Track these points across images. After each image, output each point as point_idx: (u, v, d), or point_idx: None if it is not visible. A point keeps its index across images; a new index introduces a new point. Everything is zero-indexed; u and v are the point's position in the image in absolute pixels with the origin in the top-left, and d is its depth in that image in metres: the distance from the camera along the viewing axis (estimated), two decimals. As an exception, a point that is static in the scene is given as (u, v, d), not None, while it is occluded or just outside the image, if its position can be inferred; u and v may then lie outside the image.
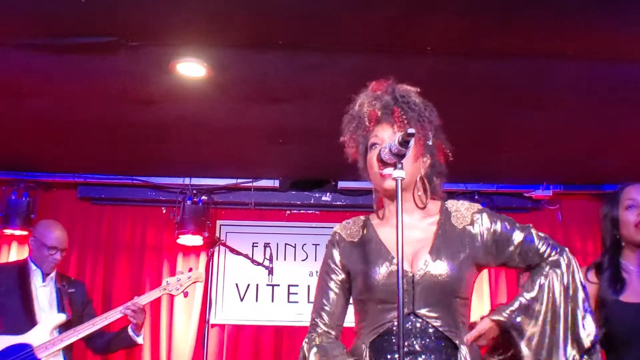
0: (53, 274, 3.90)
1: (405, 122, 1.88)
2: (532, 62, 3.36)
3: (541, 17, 2.94)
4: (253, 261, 4.41)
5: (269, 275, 4.39)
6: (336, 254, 2.00)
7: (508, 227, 1.94)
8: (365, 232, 1.99)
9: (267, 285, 5.23)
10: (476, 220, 1.94)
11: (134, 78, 3.55)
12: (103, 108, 3.95)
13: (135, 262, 5.25)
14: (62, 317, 3.74)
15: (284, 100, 3.82)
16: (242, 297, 5.28)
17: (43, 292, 3.84)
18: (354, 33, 3.10)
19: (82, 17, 2.99)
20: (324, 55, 3.31)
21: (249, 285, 5.29)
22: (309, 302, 5.15)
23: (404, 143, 1.66)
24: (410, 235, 1.87)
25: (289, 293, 5.30)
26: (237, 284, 5.29)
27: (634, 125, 4.06)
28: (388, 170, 1.78)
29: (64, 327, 3.72)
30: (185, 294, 3.89)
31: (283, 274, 5.18)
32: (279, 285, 5.27)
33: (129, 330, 3.78)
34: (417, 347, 1.80)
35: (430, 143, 1.95)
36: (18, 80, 3.62)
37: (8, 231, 5.00)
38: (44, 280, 3.86)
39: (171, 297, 5.14)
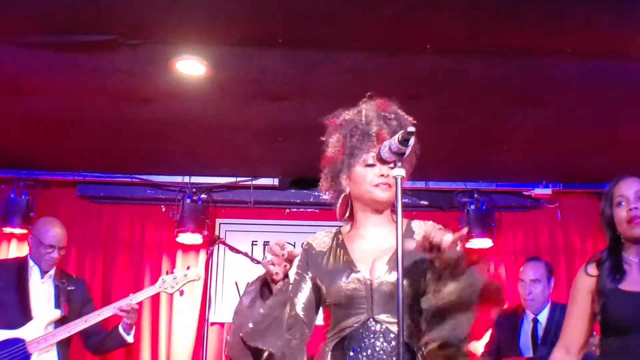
0: (52, 271, 3.89)
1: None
2: (531, 60, 3.36)
3: (540, 15, 2.94)
4: (252, 259, 4.41)
5: (268, 273, 4.38)
6: (304, 261, 2.09)
7: None
8: (334, 243, 2.08)
9: (267, 283, 5.21)
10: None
11: (133, 76, 3.55)
12: (102, 106, 3.95)
13: (134, 260, 5.25)
14: (57, 313, 3.72)
15: (284, 98, 3.82)
16: (241, 295, 5.26)
17: (41, 289, 3.83)
18: (353, 31, 3.10)
19: (81, 15, 2.99)
20: (324, 53, 3.31)
21: (248, 283, 5.28)
22: (308, 300, 5.14)
23: (404, 142, 1.68)
24: (375, 246, 2.00)
25: (288, 291, 5.29)
26: (236, 282, 5.29)
27: (634, 123, 4.06)
28: (382, 180, 1.92)
29: (59, 323, 3.71)
30: (181, 293, 3.86)
31: (282, 272, 5.17)
32: (278, 283, 5.26)
33: (120, 328, 3.77)
34: (377, 348, 1.88)
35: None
36: (17, 78, 3.62)
37: (7, 229, 4.99)
38: (42, 277, 3.85)
39: (170, 295, 5.13)
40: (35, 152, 4.82)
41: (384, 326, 1.89)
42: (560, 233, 5.34)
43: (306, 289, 2.05)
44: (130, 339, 3.80)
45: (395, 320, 1.81)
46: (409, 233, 2.01)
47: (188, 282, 3.82)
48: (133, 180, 5.21)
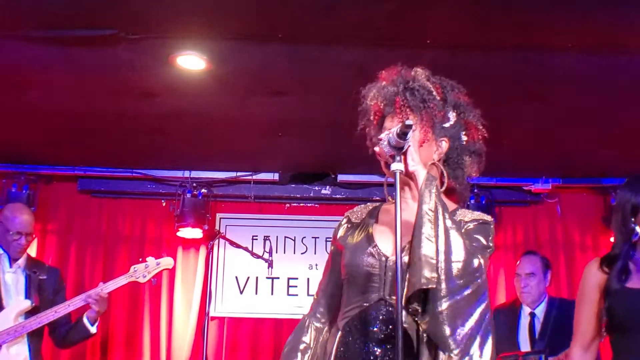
0: (22, 260, 3.83)
1: (407, 110, 1.84)
2: (532, 55, 3.36)
3: (541, 9, 2.94)
4: (253, 254, 4.43)
5: (268, 268, 4.41)
6: (339, 233, 2.00)
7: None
8: (367, 216, 1.98)
9: (267, 278, 5.23)
10: (465, 227, 1.86)
11: (133, 71, 3.55)
12: (103, 101, 3.95)
13: (134, 255, 5.24)
14: (27, 304, 3.68)
15: (284, 93, 3.82)
16: (241, 290, 5.29)
17: (10, 278, 3.78)
18: (354, 26, 3.10)
19: (82, 10, 2.99)
20: (324, 48, 3.31)
21: (248, 278, 5.31)
22: (308, 294, 5.16)
23: (402, 135, 1.66)
24: (402, 222, 1.82)
25: (288, 286, 5.31)
26: (236, 277, 5.30)
27: (634, 118, 4.06)
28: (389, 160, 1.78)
29: (30, 314, 3.66)
30: (154, 281, 3.81)
31: (282, 267, 5.19)
32: (278, 278, 5.28)
33: (84, 319, 3.72)
34: (382, 335, 1.76)
35: (447, 125, 1.90)
36: (18, 72, 3.62)
37: (8, 224, 5.00)
38: (11, 266, 3.79)
39: (171, 290, 5.15)
40: (36, 146, 4.82)
41: (393, 307, 1.74)
42: (560, 228, 5.35)
43: (337, 272, 1.97)
44: (93, 329, 3.74)
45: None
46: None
47: (161, 270, 3.77)
48: (133, 174, 5.22)
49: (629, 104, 3.87)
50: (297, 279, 5.30)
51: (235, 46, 3.32)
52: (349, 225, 1.99)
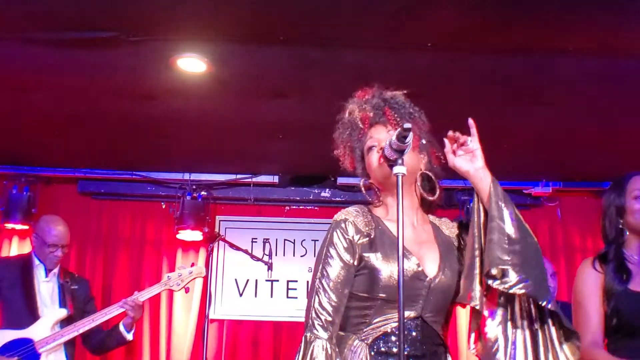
0: (56, 270, 3.92)
1: (398, 119, 1.92)
2: (532, 58, 3.36)
3: (542, 13, 2.94)
4: (252, 257, 4.43)
5: (268, 270, 4.41)
6: (351, 244, 1.86)
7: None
8: (376, 224, 1.92)
9: (266, 280, 5.24)
10: (459, 234, 2.06)
11: (134, 73, 3.56)
12: (103, 103, 3.95)
13: (134, 257, 5.26)
14: (63, 312, 3.76)
15: (284, 95, 3.83)
16: (241, 292, 5.29)
17: (45, 287, 3.86)
18: (354, 28, 3.10)
19: (83, 12, 2.99)
20: (325, 50, 3.31)
21: (248, 280, 5.31)
22: (307, 297, 5.17)
23: (402, 138, 1.68)
24: (418, 236, 1.93)
25: (288, 289, 5.31)
26: (236, 280, 5.30)
27: (635, 121, 4.06)
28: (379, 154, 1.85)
29: (65, 323, 3.74)
30: (187, 290, 3.90)
31: (282, 269, 5.19)
32: (278, 280, 5.28)
33: (121, 326, 3.80)
34: (420, 352, 1.81)
35: (424, 142, 1.99)
36: (19, 74, 3.62)
37: (9, 225, 5.01)
38: (47, 276, 3.88)
39: (170, 293, 5.14)
40: (36, 148, 4.83)
41: (429, 326, 1.83)
42: (561, 231, 5.35)
43: (347, 285, 1.85)
44: (130, 336, 3.83)
45: (437, 319, 1.86)
46: (434, 225, 2.03)
47: (193, 279, 3.85)
48: (133, 177, 5.22)
49: (629, 107, 3.88)
50: (296, 281, 5.30)
51: (236, 48, 3.32)
52: (362, 237, 1.87)
